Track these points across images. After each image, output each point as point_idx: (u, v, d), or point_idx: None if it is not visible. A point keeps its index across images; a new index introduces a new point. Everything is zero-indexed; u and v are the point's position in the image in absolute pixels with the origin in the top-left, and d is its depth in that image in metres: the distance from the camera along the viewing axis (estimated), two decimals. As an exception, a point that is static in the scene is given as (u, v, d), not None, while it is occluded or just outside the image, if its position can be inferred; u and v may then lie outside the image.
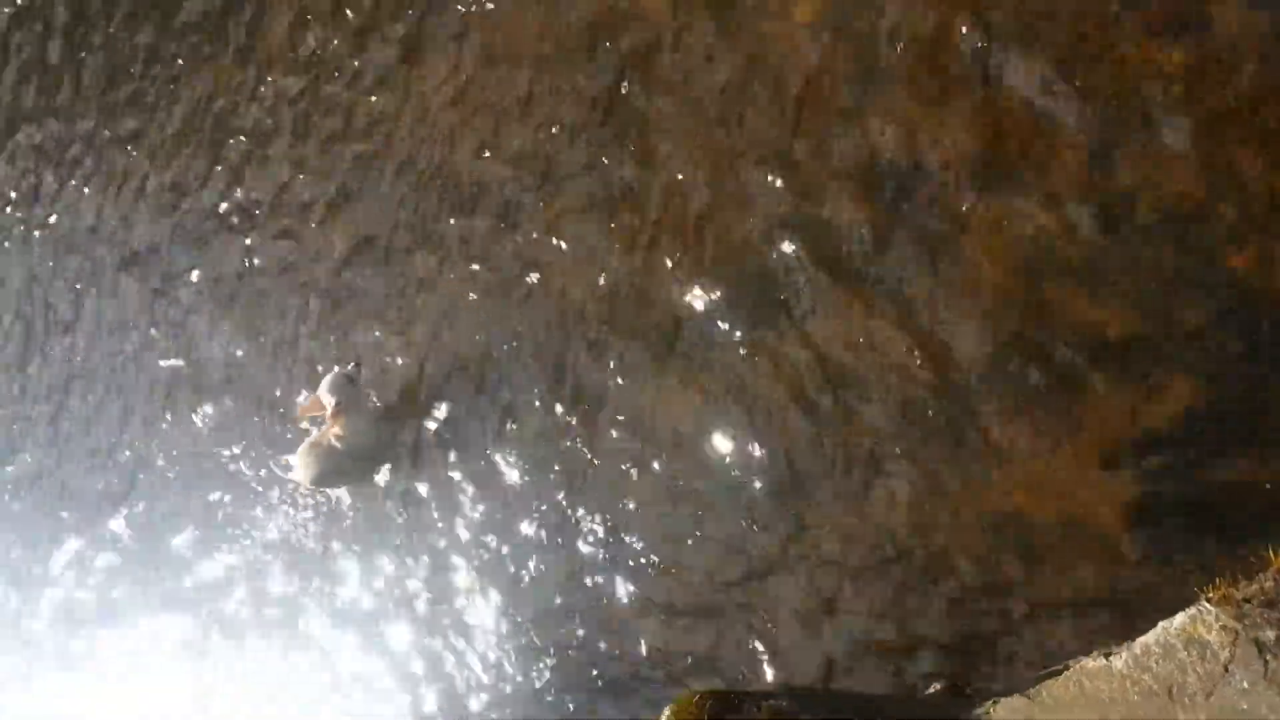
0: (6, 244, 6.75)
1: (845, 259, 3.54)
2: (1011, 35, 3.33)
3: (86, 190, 6.20)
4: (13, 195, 6.63)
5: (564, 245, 4.24)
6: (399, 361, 4.74)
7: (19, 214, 6.58)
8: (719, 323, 3.78)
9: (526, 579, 4.06)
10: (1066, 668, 2.55)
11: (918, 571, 3.26)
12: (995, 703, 2.68)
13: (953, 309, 3.36)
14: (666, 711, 2.96)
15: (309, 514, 5.07)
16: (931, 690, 3.00)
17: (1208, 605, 2.19)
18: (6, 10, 6.68)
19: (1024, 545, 3.19)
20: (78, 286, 6.15)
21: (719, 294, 3.78)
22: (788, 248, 3.64)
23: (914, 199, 3.44)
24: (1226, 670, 2.17)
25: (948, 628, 3.18)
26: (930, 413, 3.33)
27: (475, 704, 4.16)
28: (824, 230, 3.59)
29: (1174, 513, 3.07)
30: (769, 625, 3.26)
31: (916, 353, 3.39)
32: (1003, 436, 3.23)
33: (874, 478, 3.36)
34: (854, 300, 3.50)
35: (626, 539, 3.79)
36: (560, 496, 3.98)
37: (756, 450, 3.57)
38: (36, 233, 6.44)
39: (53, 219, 6.36)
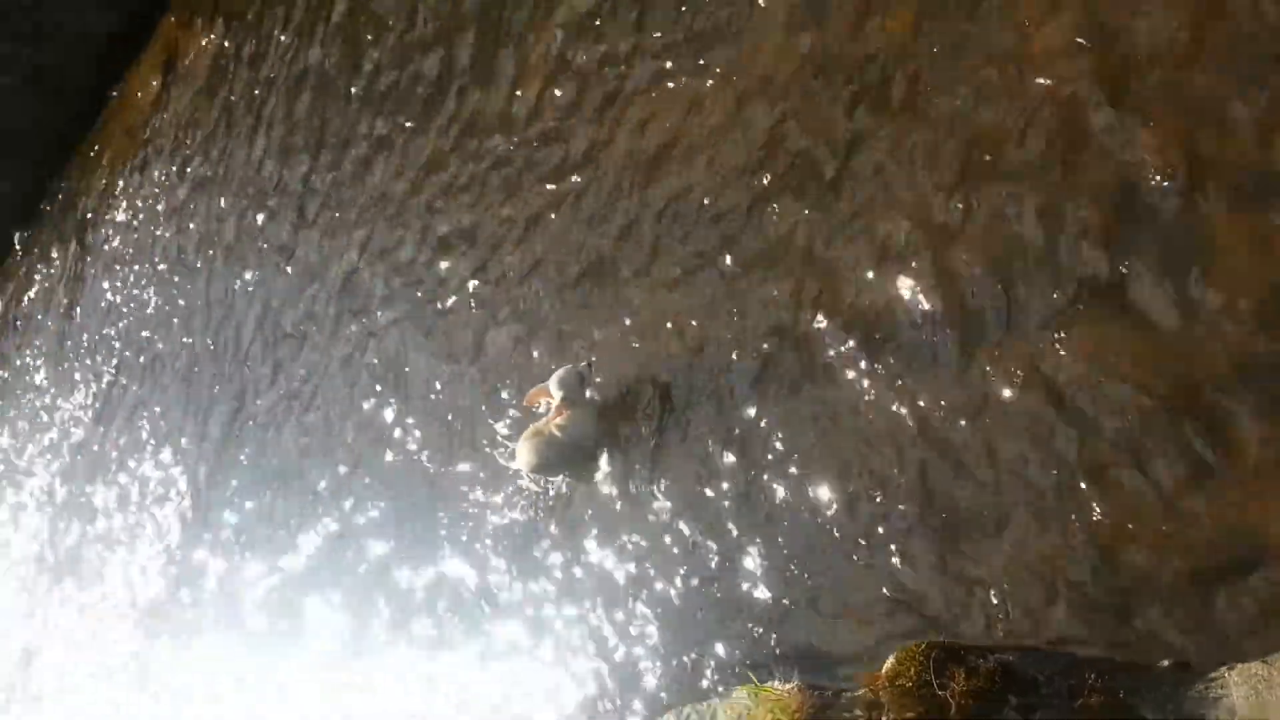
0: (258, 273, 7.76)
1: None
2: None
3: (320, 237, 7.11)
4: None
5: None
6: (625, 362, 5.04)
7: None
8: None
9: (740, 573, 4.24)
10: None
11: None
12: (1230, 668, 2.71)
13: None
14: (890, 660, 3.13)
15: (528, 500, 5.42)
16: (1163, 664, 3.02)
17: None
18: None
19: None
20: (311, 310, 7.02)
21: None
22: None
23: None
24: None
25: (1178, 609, 3.18)
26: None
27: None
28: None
29: None
30: (1005, 585, 3.33)
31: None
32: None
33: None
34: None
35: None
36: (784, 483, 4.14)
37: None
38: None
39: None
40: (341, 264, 7.13)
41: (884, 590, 3.62)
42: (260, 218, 8.20)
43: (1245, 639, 2.86)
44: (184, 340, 8.68)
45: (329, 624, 5.92)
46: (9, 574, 10.17)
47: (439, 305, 6.22)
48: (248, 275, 8.10)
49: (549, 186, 5.81)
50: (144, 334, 9.45)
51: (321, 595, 6.07)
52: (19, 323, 12.21)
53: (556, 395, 4.95)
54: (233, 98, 9.29)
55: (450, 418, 5.84)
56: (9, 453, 11.18)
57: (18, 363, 11.80)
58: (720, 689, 3.56)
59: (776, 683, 3.34)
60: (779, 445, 4.19)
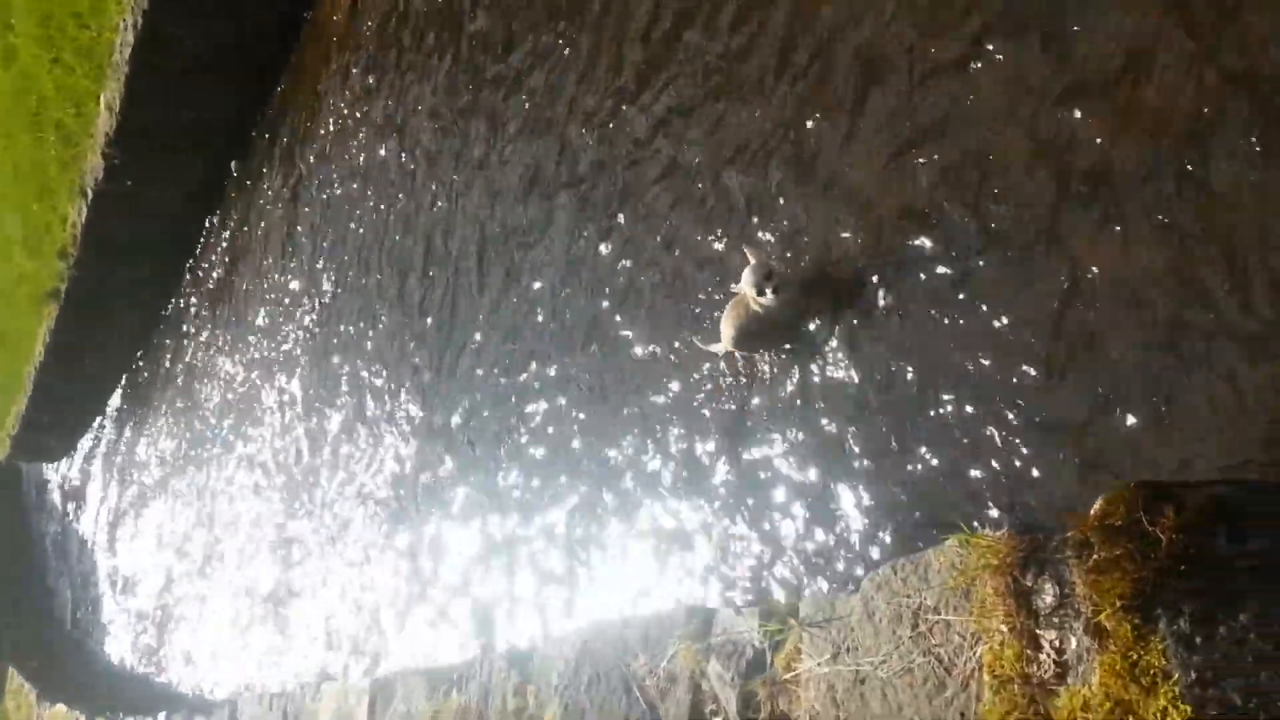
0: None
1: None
2: None
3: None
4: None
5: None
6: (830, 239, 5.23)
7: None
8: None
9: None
10: None
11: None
12: None
13: None
14: (1099, 501, 3.28)
15: (729, 378, 5.72)
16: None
17: None
18: None
19: None
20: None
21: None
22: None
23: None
24: None
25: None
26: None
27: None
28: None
29: None
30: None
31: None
32: None
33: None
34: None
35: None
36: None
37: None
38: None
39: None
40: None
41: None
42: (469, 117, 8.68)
43: None
44: (403, 247, 9.40)
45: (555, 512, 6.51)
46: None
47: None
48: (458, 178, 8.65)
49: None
50: (364, 245, 10.26)
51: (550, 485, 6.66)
52: (245, 252, 13.40)
53: (750, 292, 5.20)
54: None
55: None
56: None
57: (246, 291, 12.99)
58: (932, 542, 3.78)
59: (987, 530, 3.54)
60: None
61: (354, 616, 8.54)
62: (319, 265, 11.12)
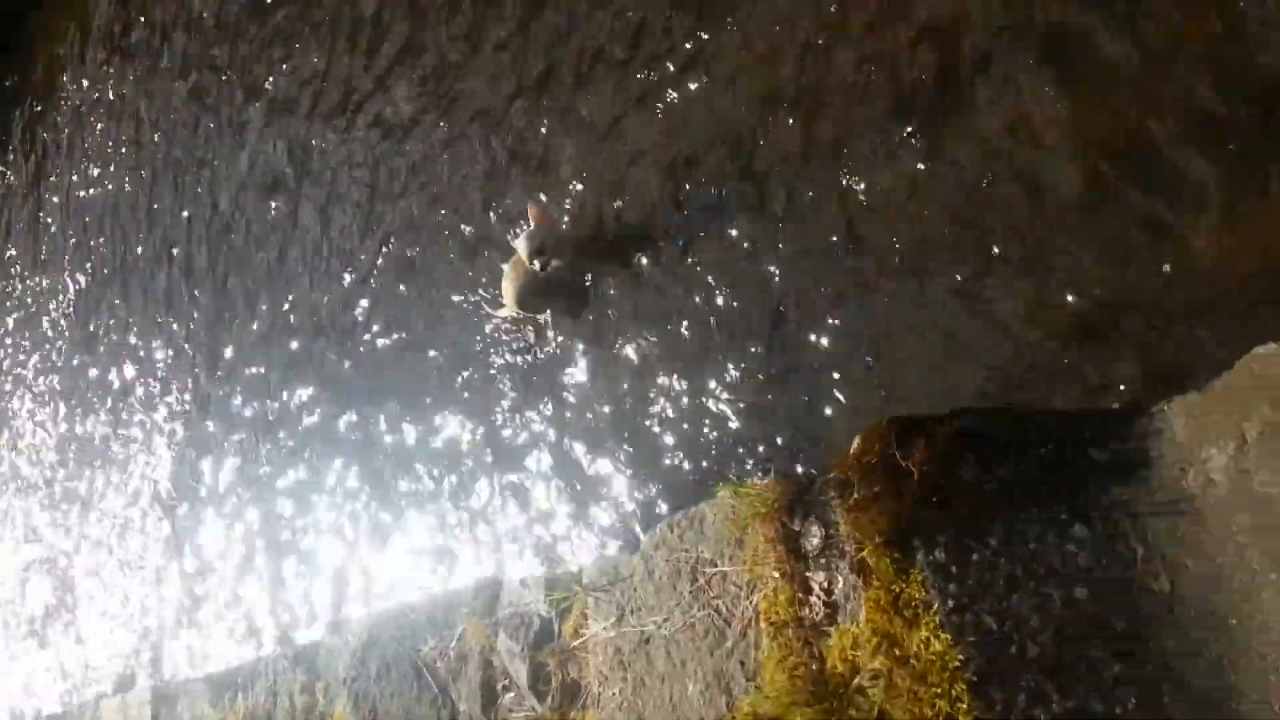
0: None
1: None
2: None
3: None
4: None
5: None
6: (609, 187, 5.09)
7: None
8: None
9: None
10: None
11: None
12: (1169, 402, 2.86)
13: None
14: (856, 440, 3.30)
15: (518, 339, 5.53)
16: (1117, 405, 3.19)
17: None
18: None
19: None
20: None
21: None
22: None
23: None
24: (1394, 335, 2.28)
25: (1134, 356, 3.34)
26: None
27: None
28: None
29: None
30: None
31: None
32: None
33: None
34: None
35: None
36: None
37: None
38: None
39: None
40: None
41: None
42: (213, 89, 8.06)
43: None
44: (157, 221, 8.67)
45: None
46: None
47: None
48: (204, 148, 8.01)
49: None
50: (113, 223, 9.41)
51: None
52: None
53: (528, 259, 5.02)
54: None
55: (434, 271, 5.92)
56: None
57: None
58: (707, 495, 3.73)
59: (756, 478, 3.51)
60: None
61: (129, 626, 7.90)
62: (70, 257, 10.16)
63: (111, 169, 9.58)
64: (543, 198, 5.50)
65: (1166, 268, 3.37)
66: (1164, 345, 3.22)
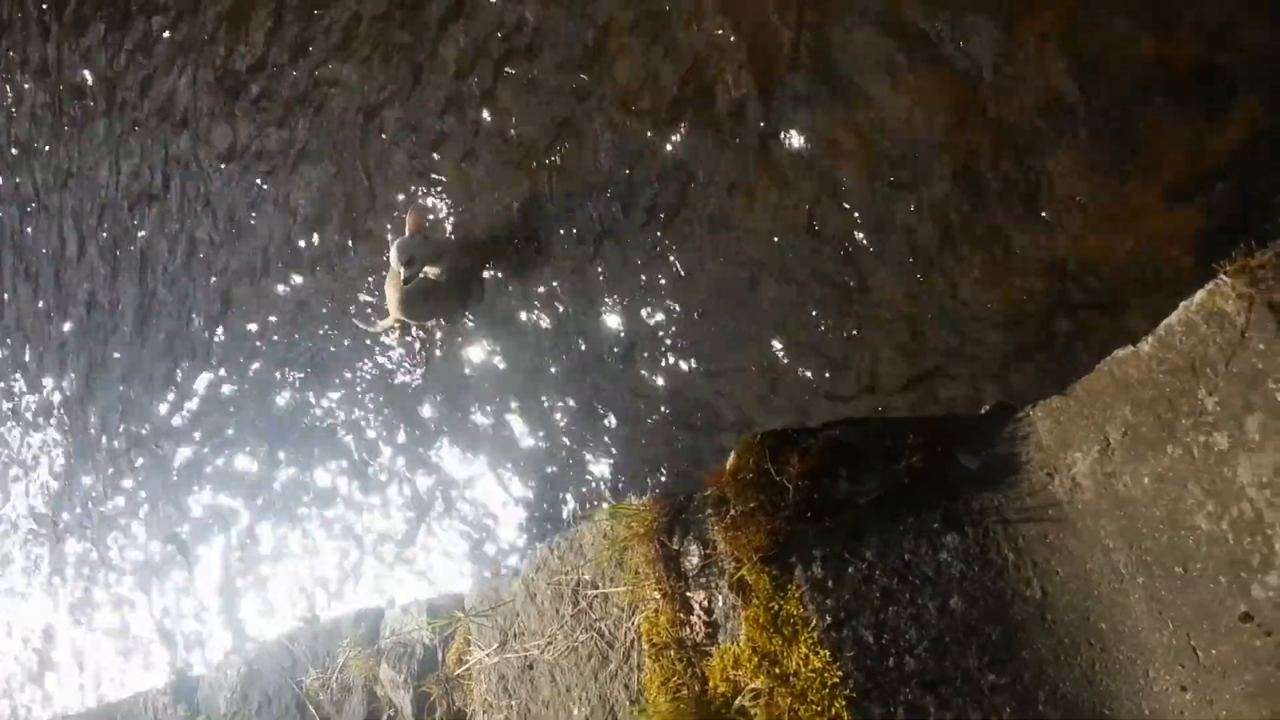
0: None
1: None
2: None
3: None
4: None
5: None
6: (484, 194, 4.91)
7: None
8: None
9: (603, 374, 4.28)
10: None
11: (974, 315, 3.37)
12: (1034, 406, 2.83)
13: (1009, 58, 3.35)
14: (731, 455, 3.20)
15: (402, 351, 5.32)
16: (985, 409, 3.16)
17: (1225, 277, 2.26)
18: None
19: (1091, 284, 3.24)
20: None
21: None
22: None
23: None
24: (1243, 336, 2.26)
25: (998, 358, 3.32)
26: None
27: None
28: None
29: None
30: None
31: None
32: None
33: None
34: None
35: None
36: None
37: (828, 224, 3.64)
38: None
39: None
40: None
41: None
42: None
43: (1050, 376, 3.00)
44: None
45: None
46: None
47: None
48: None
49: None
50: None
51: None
52: None
53: (402, 269, 4.82)
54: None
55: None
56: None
57: None
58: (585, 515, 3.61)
59: (633, 498, 3.40)
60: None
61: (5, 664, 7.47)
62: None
63: None
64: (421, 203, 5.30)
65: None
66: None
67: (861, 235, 3.59)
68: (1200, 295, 2.34)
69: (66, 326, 6.66)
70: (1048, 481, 2.78)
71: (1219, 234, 3.04)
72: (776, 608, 3.05)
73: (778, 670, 3.03)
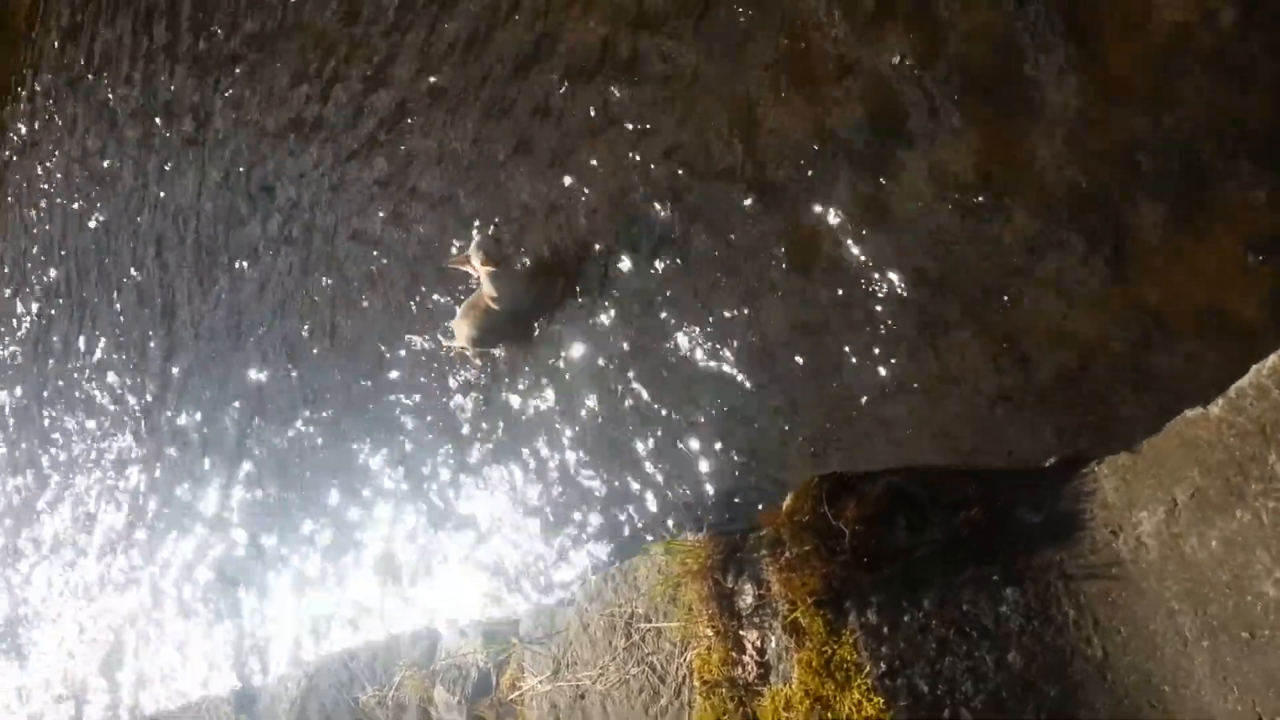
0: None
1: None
2: None
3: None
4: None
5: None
6: (551, 224, 4.97)
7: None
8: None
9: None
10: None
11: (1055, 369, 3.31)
12: (1100, 463, 2.79)
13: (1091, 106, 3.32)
14: (788, 497, 3.21)
15: (472, 374, 5.38)
16: (1049, 463, 3.12)
17: (1299, 342, 2.23)
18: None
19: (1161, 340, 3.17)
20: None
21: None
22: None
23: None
24: (1317, 403, 2.22)
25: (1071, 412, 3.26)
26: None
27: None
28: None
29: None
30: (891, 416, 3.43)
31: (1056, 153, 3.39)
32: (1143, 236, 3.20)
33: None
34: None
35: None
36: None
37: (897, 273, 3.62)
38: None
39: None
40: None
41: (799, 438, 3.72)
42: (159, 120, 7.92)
43: (1116, 430, 2.94)
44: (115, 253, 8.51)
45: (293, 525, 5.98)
46: None
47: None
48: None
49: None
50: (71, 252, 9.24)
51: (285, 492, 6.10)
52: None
53: (477, 260, 4.88)
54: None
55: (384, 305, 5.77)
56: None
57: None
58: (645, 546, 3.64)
59: (688, 534, 3.42)
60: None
61: (75, 666, 7.70)
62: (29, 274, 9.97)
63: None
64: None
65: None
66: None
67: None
68: (1272, 359, 2.30)
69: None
70: (1111, 539, 2.74)
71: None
72: (830, 652, 3.04)
73: (829, 715, 3.02)
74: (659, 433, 4.21)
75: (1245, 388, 2.36)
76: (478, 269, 4.87)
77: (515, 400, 4.93)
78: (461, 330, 5.24)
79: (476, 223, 5.30)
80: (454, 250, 5.31)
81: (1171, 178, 3.13)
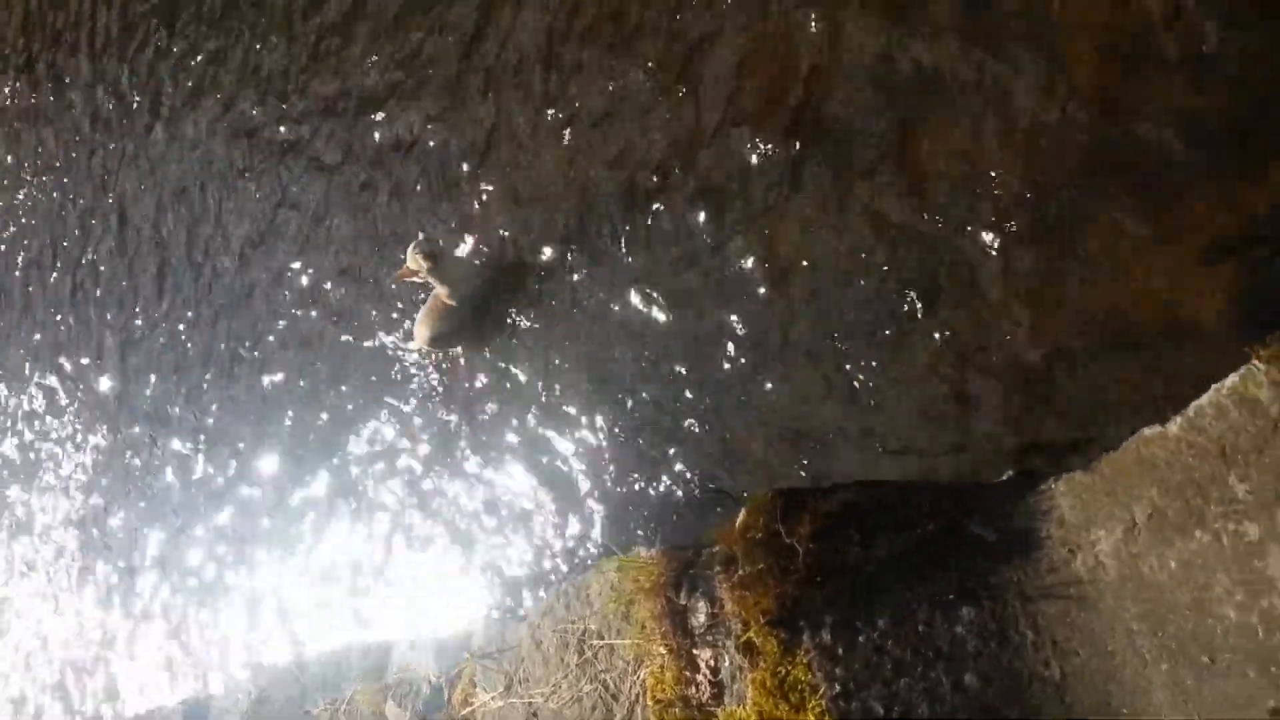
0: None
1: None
2: None
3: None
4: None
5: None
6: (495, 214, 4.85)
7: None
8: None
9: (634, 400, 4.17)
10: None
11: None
12: (1057, 480, 2.71)
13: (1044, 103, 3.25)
14: (741, 513, 3.12)
15: (427, 378, 5.23)
16: (1005, 478, 3.05)
17: (1258, 364, 2.15)
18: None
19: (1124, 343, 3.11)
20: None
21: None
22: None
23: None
24: (1277, 427, 2.14)
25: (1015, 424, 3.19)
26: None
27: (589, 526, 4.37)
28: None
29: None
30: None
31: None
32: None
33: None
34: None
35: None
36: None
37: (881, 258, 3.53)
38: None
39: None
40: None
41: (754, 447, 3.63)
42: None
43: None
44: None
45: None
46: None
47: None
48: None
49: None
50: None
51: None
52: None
53: (420, 264, 4.77)
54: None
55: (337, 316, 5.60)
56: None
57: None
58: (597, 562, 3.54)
59: (641, 550, 3.32)
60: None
61: (23, 677, 7.50)
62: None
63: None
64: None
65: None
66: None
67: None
68: (1232, 379, 2.22)
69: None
70: (1069, 559, 2.67)
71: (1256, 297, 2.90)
72: (784, 672, 2.95)
73: (784, 737, 2.94)
74: (614, 440, 4.11)
75: (1204, 406, 2.28)
76: (420, 267, 4.76)
77: (471, 404, 4.80)
78: (421, 332, 5.12)
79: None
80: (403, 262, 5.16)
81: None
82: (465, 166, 5.03)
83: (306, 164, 5.78)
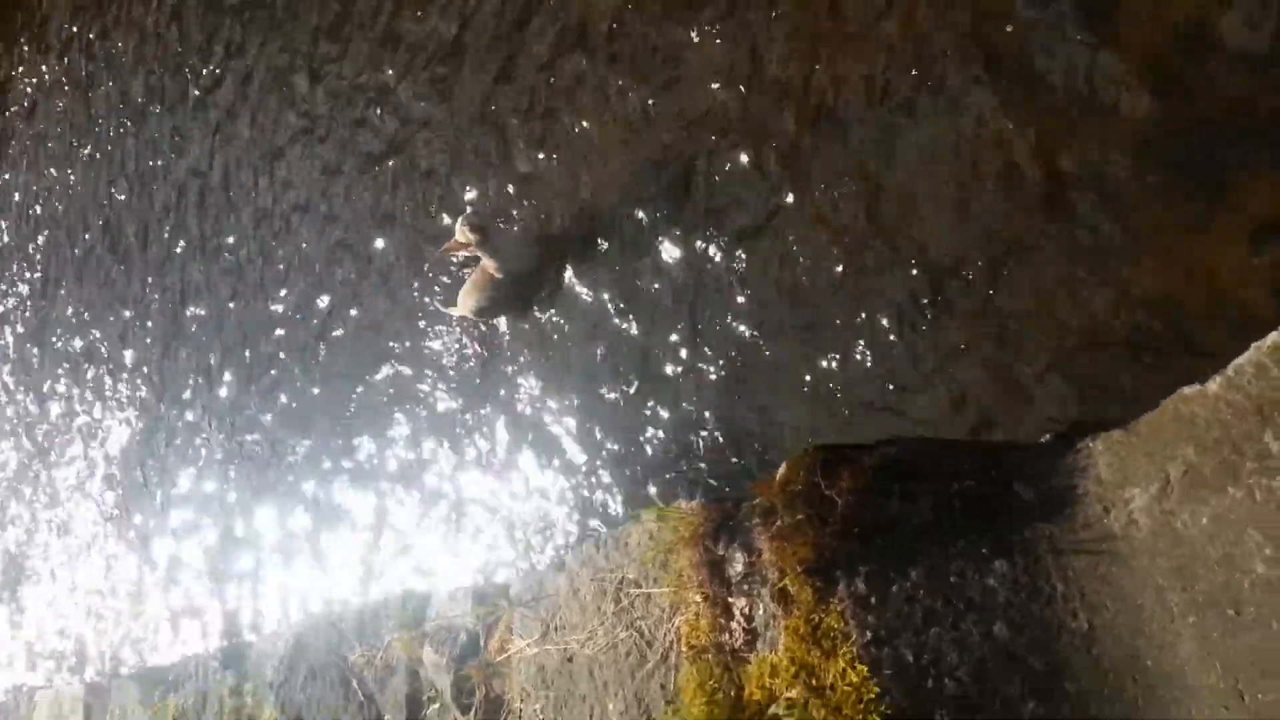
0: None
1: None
2: None
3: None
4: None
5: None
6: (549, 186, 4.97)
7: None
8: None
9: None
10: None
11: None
12: (1095, 439, 2.80)
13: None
14: (782, 467, 3.22)
15: (470, 348, 5.38)
16: (1045, 439, 3.13)
17: (1300, 320, 2.23)
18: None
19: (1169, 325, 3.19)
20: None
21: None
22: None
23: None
24: (1315, 381, 2.22)
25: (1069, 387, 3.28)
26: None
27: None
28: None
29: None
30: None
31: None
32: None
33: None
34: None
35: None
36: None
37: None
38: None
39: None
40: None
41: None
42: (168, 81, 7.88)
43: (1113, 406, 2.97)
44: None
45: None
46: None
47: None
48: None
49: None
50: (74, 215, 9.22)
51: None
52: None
53: (469, 238, 4.90)
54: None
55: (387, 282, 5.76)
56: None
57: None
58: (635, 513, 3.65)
59: (682, 502, 3.43)
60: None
61: (68, 620, 7.72)
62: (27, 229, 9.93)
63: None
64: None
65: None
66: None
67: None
68: (1273, 336, 2.30)
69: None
70: (1103, 515, 2.75)
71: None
72: (817, 620, 3.05)
73: (814, 682, 3.03)
74: (658, 399, 4.23)
75: (1244, 365, 2.36)
76: (470, 240, 4.88)
77: (512, 370, 4.93)
78: (467, 301, 5.26)
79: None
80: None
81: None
82: (521, 136, 5.16)
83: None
